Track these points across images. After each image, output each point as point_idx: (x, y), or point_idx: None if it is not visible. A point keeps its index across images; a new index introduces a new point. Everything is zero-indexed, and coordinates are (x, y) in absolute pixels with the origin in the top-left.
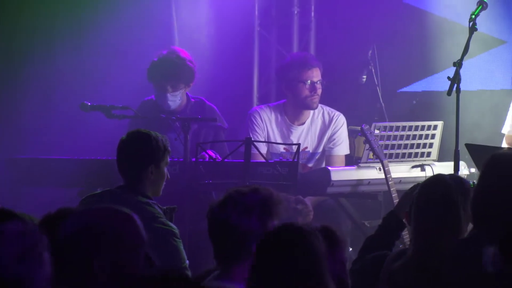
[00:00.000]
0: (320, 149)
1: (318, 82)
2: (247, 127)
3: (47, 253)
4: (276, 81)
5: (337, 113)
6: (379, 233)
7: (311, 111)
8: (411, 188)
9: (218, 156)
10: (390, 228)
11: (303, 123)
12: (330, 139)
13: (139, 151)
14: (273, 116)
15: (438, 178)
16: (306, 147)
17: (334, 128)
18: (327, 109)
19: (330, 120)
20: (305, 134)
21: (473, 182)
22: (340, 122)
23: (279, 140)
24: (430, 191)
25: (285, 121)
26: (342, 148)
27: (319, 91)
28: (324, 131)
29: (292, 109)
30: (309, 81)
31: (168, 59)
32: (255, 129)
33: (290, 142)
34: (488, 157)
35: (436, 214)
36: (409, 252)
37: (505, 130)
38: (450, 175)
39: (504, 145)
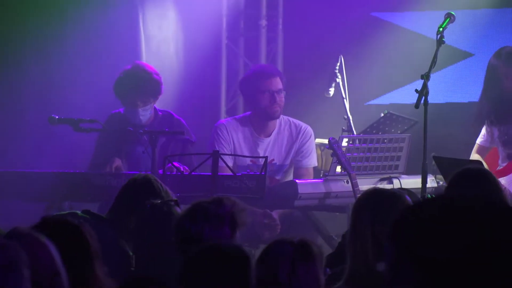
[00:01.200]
0: (288, 162)
1: (278, 92)
2: (213, 140)
3: (27, 268)
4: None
5: (304, 125)
6: (339, 250)
7: (278, 123)
8: None
9: (185, 167)
10: None
11: (270, 135)
12: (298, 152)
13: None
14: (239, 129)
15: (368, 192)
16: (273, 159)
17: (302, 141)
18: (294, 121)
19: (298, 133)
20: (271, 146)
21: (431, 196)
22: (308, 134)
23: (245, 153)
24: (358, 205)
25: (251, 133)
26: (311, 160)
27: (280, 101)
28: (292, 144)
29: (257, 120)
30: (268, 91)
31: (134, 74)
32: (221, 142)
33: (256, 154)
34: (453, 174)
35: (366, 225)
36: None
37: (478, 140)
38: (372, 191)
39: (473, 153)
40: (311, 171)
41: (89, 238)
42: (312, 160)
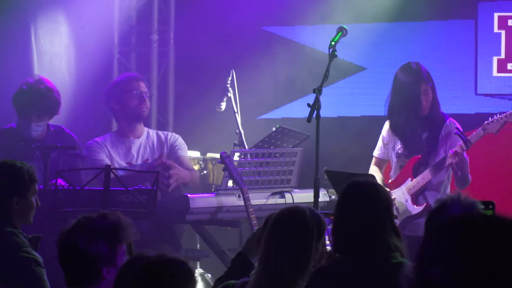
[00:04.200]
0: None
1: (146, 94)
2: (89, 157)
3: None
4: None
5: (171, 132)
6: (228, 275)
7: (146, 131)
8: (257, 229)
9: (63, 183)
10: (239, 269)
11: (140, 136)
12: (172, 148)
13: (2, 183)
14: (107, 140)
15: (297, 210)
16: (147, 159)
17: (172, 140)
18: (160, 131)
19: (165, 136)
20: (144, 146)
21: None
22: (176, 136)
23: (121, 156)
24: (288, 221)
25: (121, 137)
26: (185, 151)
27: (148, 102)
28: (162, 144)
29: (126, 124)
30: (136, 91)
31: (36, 89)
32: (97, 151)
33: (131, 156)
34: (344, 186)
35: (289, 246)
36: (251, 279)
37: (375, 152)
38: (309, 208)
39: (372, 166)
40: (187, 159)
41: None
42: (186, 151)
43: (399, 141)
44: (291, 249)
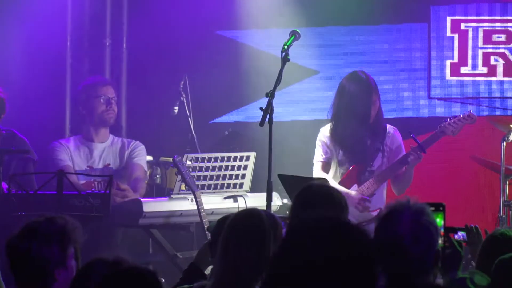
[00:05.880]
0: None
1: (113, 99)
2: (51, 159)
3: None
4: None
5: (134, 140)
6: (181, 284)
7: (111, 137)
8: (209, 240)
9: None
10: (192, 280)
11: (104, 142)
12: (130, 153)
13: None
14: (72, 141)
15: (253, 213)
16: (109, 164)
17: (134, 147)
18: (126, 139)
19: (129, 143)
20: (107, 151)
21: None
22: (139, 144)
23: (83, 159)
24: (245, 224)
25: (86, 140)
26: (142, 160)
27: (115, 107)
28: (124, 151)
29: (92, 129)
30: (103, 96)
31: None
32: (60, 151)
33: (92, 160)
34: (299, 189)
35: (246, 248)
36: (209, 283)
37: (318, 158)
38: (264, 210)
39: (317, 171)
40: (144, 168)
41: None
42: (144, 161)
43: (341, 150)
44: (248, 251)
